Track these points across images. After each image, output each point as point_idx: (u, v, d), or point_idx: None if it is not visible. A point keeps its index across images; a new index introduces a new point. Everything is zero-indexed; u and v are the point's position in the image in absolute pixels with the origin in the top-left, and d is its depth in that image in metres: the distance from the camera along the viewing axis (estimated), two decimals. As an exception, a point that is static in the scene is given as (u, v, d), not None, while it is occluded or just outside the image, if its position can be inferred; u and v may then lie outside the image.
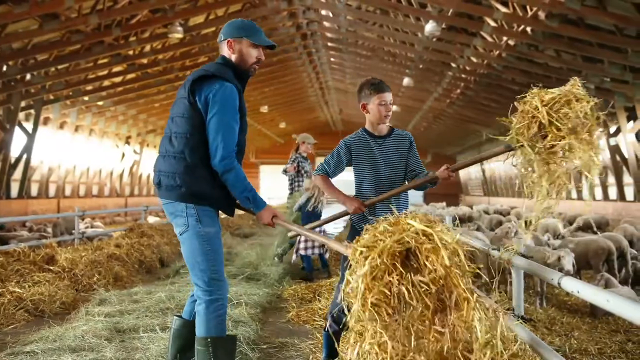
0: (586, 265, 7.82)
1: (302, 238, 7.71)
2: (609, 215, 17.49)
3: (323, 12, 19.73)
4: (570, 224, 16.05)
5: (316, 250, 7.76)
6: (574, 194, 23.00)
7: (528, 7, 14.11)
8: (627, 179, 18.62)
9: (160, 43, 18.55)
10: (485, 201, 34.99)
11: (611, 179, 19.70)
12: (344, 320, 3.65)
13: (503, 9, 14.47)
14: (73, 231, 10.64)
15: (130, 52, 18.33)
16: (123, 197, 27.08)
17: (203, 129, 3.20)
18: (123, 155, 26.94)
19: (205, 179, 3.22)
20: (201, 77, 3.21)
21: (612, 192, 19.64)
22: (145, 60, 19.34)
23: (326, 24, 20.82)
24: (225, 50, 3.39)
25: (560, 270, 6.02)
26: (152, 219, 16.78)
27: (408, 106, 29.39)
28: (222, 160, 3.15)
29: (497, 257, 3.51)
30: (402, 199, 3.78)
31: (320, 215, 7.89)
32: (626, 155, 18.30)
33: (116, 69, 19.46)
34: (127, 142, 27.29)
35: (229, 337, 3.33)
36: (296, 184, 8.75)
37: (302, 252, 7.78)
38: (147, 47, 18.62)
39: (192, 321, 3.50)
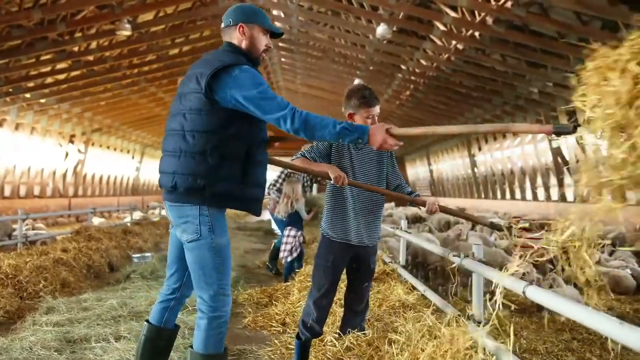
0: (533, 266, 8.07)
1: (285, 240, 7.75)
2: (551, 215, 18.11)
3: (275, 13, 19.65)
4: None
5: (291, 257, 7.74)
6: (518, 195, 23.75)
7: (476, 13, 14.46)
8: (568, 180, 19.35)
9: (107, 40, 18.04)
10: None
11: (553, 180, 20.43)
12: (316, 327, 3.68)
13: (452, 14, 14.78)
14: (15, 234, 10.19)
15: (76, 49, 17.76)
16: (67, 197, 26.23)
17: (225, 125, 2.98)
18: (67, 154, 26.11)
19: (230, 179, 3.00)
20: (217, 69, 2.96)
21: (554, 193, 20.37)
22: (91, 57, 18.78)
23: (277, 24, 20.74)
24: (234, 36, 3.16)
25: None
26: (96, 220, 16.28)
27: (358, 107, 29.55)
28: (293, 118, 2.88)
29: (457, 263, 3.58)
30: (379, 202, 3.78)
31: (301, 220, 7.92)
32: (567, 157, 19.03)
33: (60, 65, 18.82)
34: (71, 141, 26.47)
35: (225, 352, 3.19)
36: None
37: (285, 254, 7.77)
38: (94, 44, 18.10)
39: (164, 329, 3.35)
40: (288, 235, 7.72)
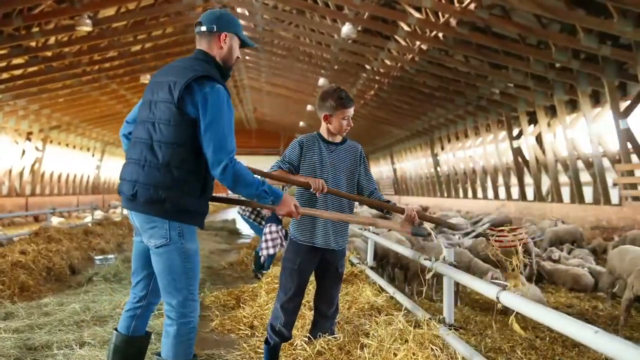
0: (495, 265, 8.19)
1: (266, 237, 7.73)
2: (512, 214, 18.49)
3: (239, 10, 19.51)
4: (476, 223, 16.83)
5: (275, 250, 7.82)
6: (480, 193, 24.15)
7: (440, 14, 14.63)
8: (528, 179, 19.78)
9: (66, 35, 17.61)
10: (396, 199, 35.99)
11: (514, 180, 20.84)
12: (284, 332, 3.65)
13: (417, 15, 14.93)
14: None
15: (33, 44, 17.28)
16: (23, 196, 25.49)
17: (194, 138, 2.93)
18: (23, 152, 25.38)
19: (193, 194, 2.97)
20: (191, 79, 2.91)
21: (515, 192, 20.79)
22: (49, 53, 18.30)
23: (242, 22, 20.58)
24: (213, 43, 3.10)
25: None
26: (55, 220, 15.82)
27: (323, 106, 29.65)
28: (225, 168, 2.89)
29: (429, 266, 3.60)
30: (349, 207, 3.78)
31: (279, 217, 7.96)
32: (527, 157, 19.44)
33: (16, 61, 18.27)
34: (28, 139, 25.73)
35: (194, 358, 3.14)
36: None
37: (270, 250, 7.74)
38: (52, 39, 17.63)
39: (133, 337, 3.27)
40: (270, 232, 7.71)
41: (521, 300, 2.23)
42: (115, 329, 3.30)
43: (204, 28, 3.10)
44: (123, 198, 3.06)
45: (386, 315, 3.92)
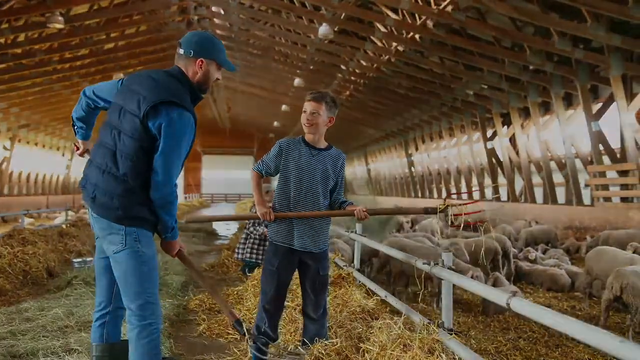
0: (474, 264, 8.28)
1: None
2: (486, 214, 18.73)
3: (214, 9, 19.37)
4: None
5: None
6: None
7: (417, 15, 14.74)
8: (502, 180, 20.06)
9: (37, 32, 17.23)
10: (370, 200, 36.16)
11: (487, 180, 21.11)
12: (269, 333, 3.65)
13: (393, 16, 15.01)
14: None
15: (2, 41, 16.86)
16: (-9, 196, 24.92)
17: (151, 152, 3.03)
18: (-10, 151, 24.81)
19: (144, 203, 3.07)
20: (160, 101, 3.00)
21: (488, 192, 21.06)
22: (19, 50, 17.89)
23: (217, 21, 20.44)
24: (190, 67, 3.18)
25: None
26: (27, 220, 15.41)
27: (298, 106, 29.58)
28: (166, 193, 3.06)
29: (427, 270, 3.62)
30: (324, 208, 3.80)
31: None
32: (501, 158, 19.70)
33: (-16, 58, 17.85)
34: (-5, 138, 25.15)
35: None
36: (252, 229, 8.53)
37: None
38: (22, 36, 17.24)
39: (111, 345, 3.31)
40: None
41: (535, 308, 2.24)
42: (93, 343, 3.36)
43: (181, 51, 3.19)
44: (84, 194, 3.19)
45: (382, 319, 3.91)
